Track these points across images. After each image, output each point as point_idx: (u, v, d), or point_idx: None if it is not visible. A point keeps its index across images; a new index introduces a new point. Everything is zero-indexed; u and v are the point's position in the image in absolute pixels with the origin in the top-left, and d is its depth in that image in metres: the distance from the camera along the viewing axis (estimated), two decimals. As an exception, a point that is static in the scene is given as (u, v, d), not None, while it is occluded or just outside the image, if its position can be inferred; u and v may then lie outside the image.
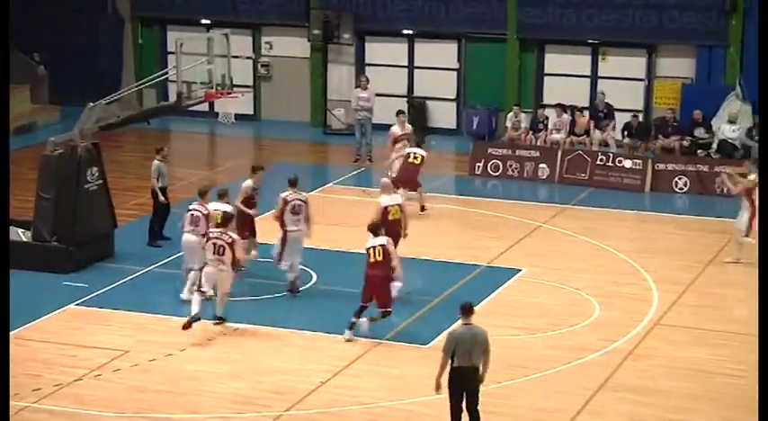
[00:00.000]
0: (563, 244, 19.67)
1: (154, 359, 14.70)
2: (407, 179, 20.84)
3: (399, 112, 23.10)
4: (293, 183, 17.00)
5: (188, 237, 16.47)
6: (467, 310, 12.08)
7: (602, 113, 25.17)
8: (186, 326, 15.18)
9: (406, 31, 27.84)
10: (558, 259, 18.76)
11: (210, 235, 15.53)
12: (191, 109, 20.40)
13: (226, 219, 15.79)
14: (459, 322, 12.20)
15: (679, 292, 17.26)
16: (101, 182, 18.55)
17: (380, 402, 13.52)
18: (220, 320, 15.70)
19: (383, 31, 27.97)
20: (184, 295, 16.38)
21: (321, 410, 13.34)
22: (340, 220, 20.58)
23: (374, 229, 15.47)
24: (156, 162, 19.19)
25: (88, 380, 14.07)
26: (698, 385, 14.05)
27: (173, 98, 20.49)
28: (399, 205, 17.14)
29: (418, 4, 27.51)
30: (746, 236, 18.17)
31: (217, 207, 16.48)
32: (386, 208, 17.00)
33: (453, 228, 20.95)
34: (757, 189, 17.89)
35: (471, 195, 22.92)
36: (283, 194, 16.80)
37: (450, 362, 11.97)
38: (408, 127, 22.33)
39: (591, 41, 26.64)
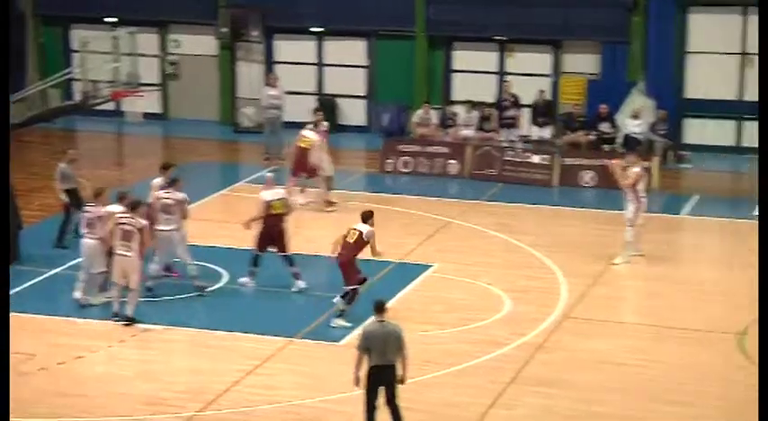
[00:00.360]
0: (473, 239, 19.83)
1: (63, 362, 14.47)
2: (299, 164, 20.95)
3: (317, 110, 23.17)
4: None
5: (85, 241, 16.19)
6: (380, 308, 12.10)
7: (506, 102, 25.37)
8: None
9: (314, 29, 27.80)
10: (469, 254, 18.91)
11: (119, 220, 15.37)
12: (97, 108, 20.13)
13: (134, 204, 15.70)
14: (373, 319, 12.20)
15: (588, 285, 17.52)
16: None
17: (294, 400, 13.49)
18: (130, 321, 15.52)
19: (292, 29, 27.89)
20: (77, 295, 16.17)
21: (234, 410, 13.26)
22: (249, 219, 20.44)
23: (365, 217, 15.96)
24: (61, 165, 18.87)
25: (-5, 385, 13.77)
26: (606, 376, 14.28)
27: (78, 97, 20.18)
28: (282, 199, 17.12)
29: (327, 2, 27.48)
30: (631, 227, 18.37)
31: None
32: (268, 202, 16.99)
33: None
34: (642, 181, 18.29)
35: (382, 192, 22.98)
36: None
37: (367, 359, 11.98)
38: (325, 125, 22.14)
39: (498, 38, 26.90)
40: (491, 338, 15.37)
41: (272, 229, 16.80)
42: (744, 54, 25.73)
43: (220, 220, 19.97)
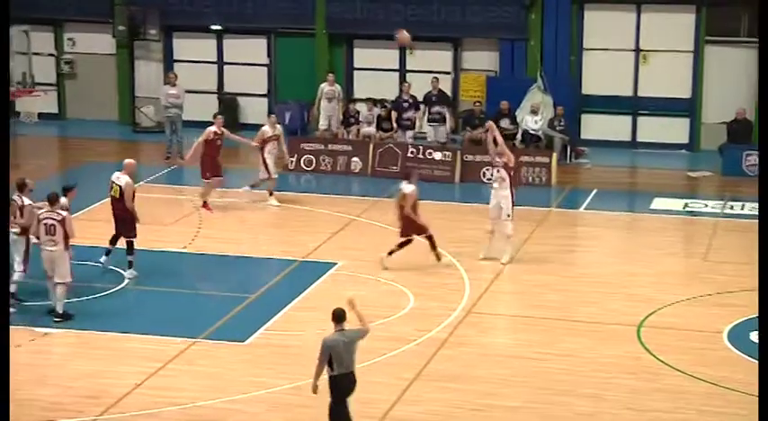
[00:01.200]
0: (377, 236, 19.85)
1: (-43, 369, 14.09)
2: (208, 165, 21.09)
3: (271, 113, 22.99)
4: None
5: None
6: (338, 317, 11.76)
7: (405, 104, 25.39)
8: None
9: (214, 27, 27.55)
10: (373, 252, 18.91)
11: (41, 216, 15.42)
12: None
13: (53, 199, 15.71)
14: (332, 330, 11.84)
15: (490, 280, 17.68)
16: None
17: (198, 402, 13.34)
18: (62, 318, 15.37)
19: (191, 27, 27.62)
20: None
21: (137, 413, 13.07)
22: (152, 219, 20.18)
23: (407, 175, 18.34)
24: None
25: None
26: (511, 370, 14.43)
27: (-30, 97, 19.70)
28: (117, 185, 17.31)
29: (226, 0, 27.26)
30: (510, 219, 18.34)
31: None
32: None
33: (268, 224, 20.88)
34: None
35: (285, 190, 22.85)
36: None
37: (329, 370, 11.75)
38: (279, 128, 21.89)
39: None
40: (395, 335, 15.41)
41: (115, 214, 17.28)
42: (638, 50, 26.25)
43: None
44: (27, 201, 16.16)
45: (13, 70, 18.62)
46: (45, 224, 15.48)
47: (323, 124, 25.46)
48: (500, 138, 18.60)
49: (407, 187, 17.81)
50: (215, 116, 21.86)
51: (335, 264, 18.26)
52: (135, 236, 17.33)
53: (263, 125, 21.97)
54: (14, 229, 15.91)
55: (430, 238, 18.09)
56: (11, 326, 15.14)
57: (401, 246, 17.95)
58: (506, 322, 16.20)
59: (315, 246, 19.15)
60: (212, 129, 21.13)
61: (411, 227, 17.93)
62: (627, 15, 26.14)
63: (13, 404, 13.15)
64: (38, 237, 15.69)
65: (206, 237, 19.50)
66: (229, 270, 18.18)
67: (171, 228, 20.13)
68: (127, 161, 17.65)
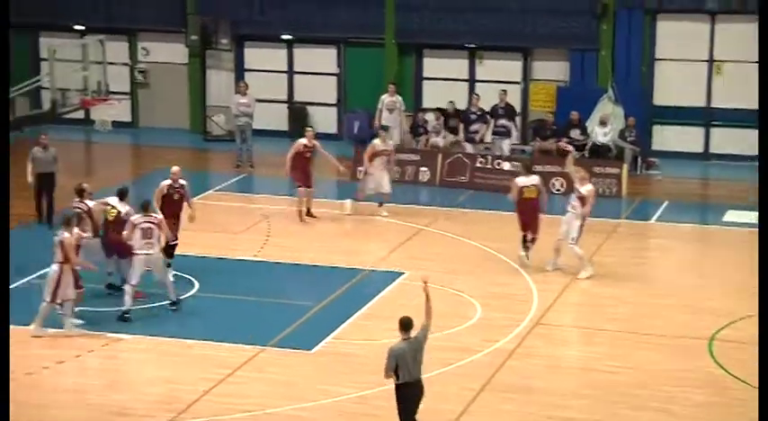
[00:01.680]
0: (444, 246, 19.85)
1: (31, 373, 14.35)
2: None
3: (383, 128, 22.96)
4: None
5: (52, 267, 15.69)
6: (405, 325, 11.75)
7: (474, 115, 25.26)
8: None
9: (284, 37, 27.78)
10: (440, 261, 18.93)
11: (136, 221, 15.93)
12: (66, 117, 20.02)
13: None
14: (399, 338, 11.85)
15: (558, 292, 17.57)
16: (-27, 192, 18.01)
17: (266, 409, 13.44)
18: (175, 304, 16.13)
19: (262, 37, 27.87)
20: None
21: (206, 419, 13.19)
22: (222, 227, 20.42)
23: (526, 168, 19.12)
24: (34, 148, 20.12)
25: (-37, 396, 13.65)
26: (577, 382, 14.33)
27: (47, 106, 20.07)
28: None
29: (296, 10, 27.47)
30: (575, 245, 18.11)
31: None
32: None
33: (336, 233, 20.96)
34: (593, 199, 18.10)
35: (353, 199, 22.94)
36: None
37: (395, 378, 11.74)
38: (390, 143, 21.91)
39: (467, 46, 26.98)
40: (462, 345, 15.39)
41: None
42: (712, 61, 25.94)
43: (191, 229, 19.84)
44: (91, 204, 16.67)
45: (89, 79, 18.90)
46: (142, 228, 15.92)
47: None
48: (574, 175, 18.52)
49: (533, 179, 18.76)
50: (305, 128, 21.70)
51: (403, 273, 18.27)
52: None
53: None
54: (86, 234, 16.18)
55: (534, 240, 18.54)
56: (87, 332, 15.47)
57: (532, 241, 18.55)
58: (575, 334, 16.08)
59: (382, 256, 19.19)
60: (302, 141, 21.01)
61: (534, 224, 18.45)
62: (700, 26, 25.85)
63: (85, 408, 13.40)
64: (129, 242, 16.06)
65: (275, 246, 19.64)
66: (297, 278, 18.29)
67: (240, 236, 20.31)
68: (174, 169, 17.87)
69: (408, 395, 11.80)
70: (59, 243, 15.28)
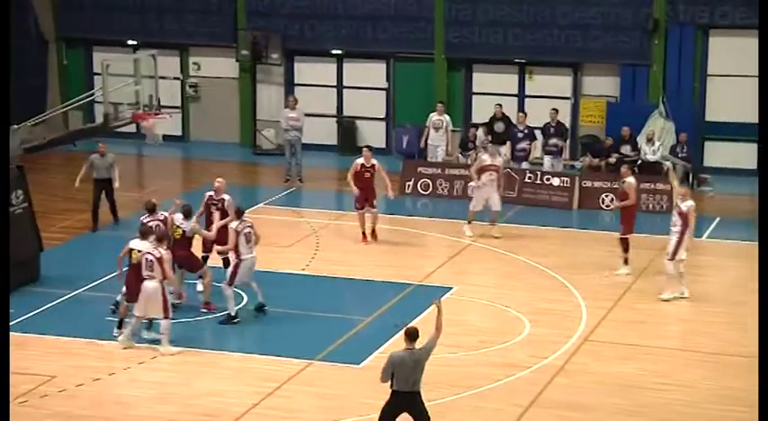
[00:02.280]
0: (493, 262, 19.79)
1: (81, 384, 14.49)
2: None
3: (489, 142, 23.02)
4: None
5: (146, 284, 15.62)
6: (411, 335, 11.80)
7: (521, 133, 24.96)
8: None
9: (334, 52, 27.90)
10: (488, 277, 18.88)
11: (239, 228, 16.32)
12: (118, 130, 20.24)
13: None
14: (403, 346, 11.92)
15: (607, 308, 17.44)
16: (26, 205, 18.27)
17: (313, 423, 13.46)
18: (262, 306, 16.54)
19: (312, 52, 28.01)
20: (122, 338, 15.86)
21: (253, 432, 13.24)
22: (271, 241, 20.48)
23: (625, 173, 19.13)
24: (92, 155, 21.01)
25: (14, 406, 13.78)
26: (626, 400, 14.20)
27: (99, 119, 20.30)
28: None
29: (346, 25, 27.60)
30: (672, 260, 17.79)
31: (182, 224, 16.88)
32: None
33: (384, 247, 20.97)
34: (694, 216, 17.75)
35: (401, 214, 22.98)
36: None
37: (390, 383, 11.82)
38: (500, 159, 21.39)
39: (517, 61, 26.93)
40: (510, 361, 15.32)
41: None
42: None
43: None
44: (164, 214, 16.96)
45: (141, 94, 19.08)
46: (246, 234, 16.34)
47: (431, 156, 25.36)
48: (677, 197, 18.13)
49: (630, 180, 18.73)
50: (363, 149, 21.30)
51: (451, 288, 18.23)
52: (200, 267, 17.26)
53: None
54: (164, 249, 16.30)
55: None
56: (137, 345, 15.59)
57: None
58: (624, 351, 15.93)
59: (430, 271, 19.16)
60: (359, 161, 20.64)
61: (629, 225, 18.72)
62: (753, 41, 25.59)
63: (132, 419, 13.47)
64: (236, 249, 16.41)
65: (323, 260, 19.69)
66: (345, 292, 18.32)
67: (289, 249, 20.39)
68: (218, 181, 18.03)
69: (394, 403, 11.86)
70: (158, 260, 15.31)
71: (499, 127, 25.23)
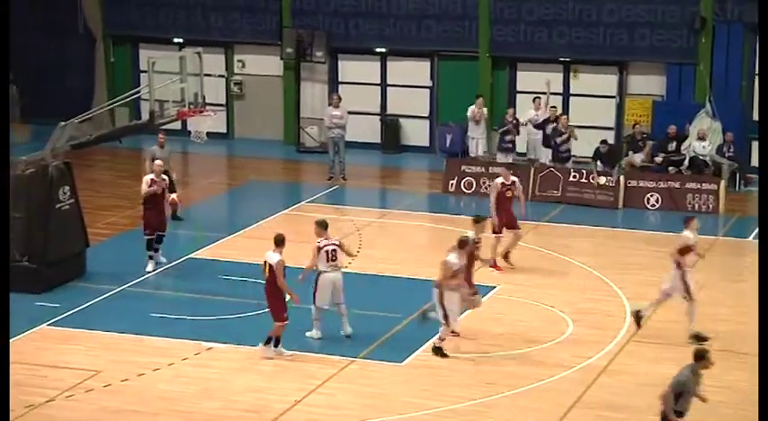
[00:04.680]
0: (536, 261, 19.71)
1: (126, 379, 14.61)
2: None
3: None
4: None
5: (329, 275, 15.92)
6: (698, 357, 11.89)
7: (561, 137, 24.66)
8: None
9: (378, 50, 27.92)
10: (532, 276, 18.80)
11: (321, 245, 15.91)
12: (163, 127, 20.38)
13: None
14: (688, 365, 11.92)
15: (651, 309, 17.29)
16: (72, 201, 18.45)
17: (356, 420, 13.46)
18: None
19: (356, 50, 28.03)
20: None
21: (295, 429, 13.29)
22: (313, 239, 20.51)
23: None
24: (153, 147, 21.23)
25: (60, 401, 13.96)
26: (671, 401, 14.06)
27: (145, 117, 20.46)
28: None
29: (390, 23, 27.60)
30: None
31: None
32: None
33: (427, 246, 20.96)
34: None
35: (445, 213, 22.95)
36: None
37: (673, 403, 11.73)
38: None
39: (562, 59, 26.79)
40: (554, 361, 15.25)
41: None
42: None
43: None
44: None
45: (186, 91, 19.20)
46: (327, 251, 15.90)
47: (472, 151, 25.31)
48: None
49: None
50: (504, 168, 20.35)
51: (494, 287, 18.18)
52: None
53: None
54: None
55: None
56: (177, 339, 15.69)
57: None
58: (669, 352, 15.80)
59: (474, 270, 19.08)
60: (499, 180, 19.58)
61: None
62: (801, 39, 25.29)
63: (176, 415, 13.58)
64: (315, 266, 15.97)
65: (366, 258, 19.70)
66: (388, 290, 18.32)
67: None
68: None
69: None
70: (339, 247, 15.72)
71: (551, 128, 25.09)
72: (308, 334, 15.96)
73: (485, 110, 25.29)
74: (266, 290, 15.39)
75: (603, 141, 24.24)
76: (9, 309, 12.03)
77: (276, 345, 15.33)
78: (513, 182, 19.57)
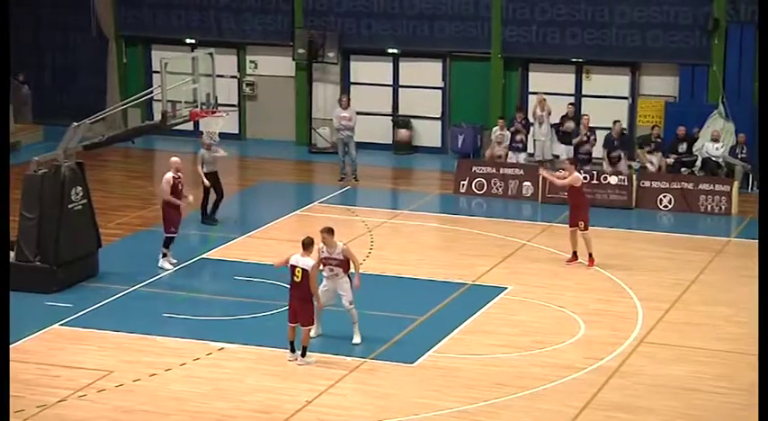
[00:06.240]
0: (547, 262, 19.68)
1: (138, 379, 14.64)
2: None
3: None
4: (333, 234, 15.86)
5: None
6: None
7: (585, 136, 24.74)
8: None
9: (390, 50, 27.92)
10: (543, 277, 18.77)
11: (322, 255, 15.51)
12: (175, 128, 20.43)
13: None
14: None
15: (664, 310, 17.28)
16: (85, 201, 18.50)
17: (366, 421, 13.49)
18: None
19: (368, 50, 28.04)
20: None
21: (306, 430, 13.29)
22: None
23: None
24: (201, 150, 21.09)
25: (72, 400, 13.99)
26: (682, 403, 14.06)
27: (157, 117, 20.50)
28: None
29: (403, 24, 27.59)
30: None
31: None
32: None
33: (438, 246, 20.95)
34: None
35: (456, 213, 22.94)
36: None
37: None
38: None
39: (574, 60, 26.76)
40: (565, 362, 15.23)
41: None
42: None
43: (294, 240, 20.05)
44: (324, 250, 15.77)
45: (198, 92, 19.25)
46: (329, 266, 15.55)
47: (537, 154, 25.39)
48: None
49: None
50: (566, 161, 20.52)
51: (506, 288, 18.17)
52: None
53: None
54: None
55: None
56: (189, 340, 15.72)
57: None
58: (681, 353, 15.77)
59: (485, 270, 19.10)
60: (580, 176, 19.96)
61: None
62: (815, 40, 25.21)
63: (187, 415, 13.60)
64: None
65: (377, 258, 19.71)
66: (399, 291, 18.32)
67: (344, 248, 20.40)
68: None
69: None
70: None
71: (569, 126, 25.08)
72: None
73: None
74: (295, 295, 15.03)
75: (617, 122, 24.43)
76: (9, 310, 12.03)
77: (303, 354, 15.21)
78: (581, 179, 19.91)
